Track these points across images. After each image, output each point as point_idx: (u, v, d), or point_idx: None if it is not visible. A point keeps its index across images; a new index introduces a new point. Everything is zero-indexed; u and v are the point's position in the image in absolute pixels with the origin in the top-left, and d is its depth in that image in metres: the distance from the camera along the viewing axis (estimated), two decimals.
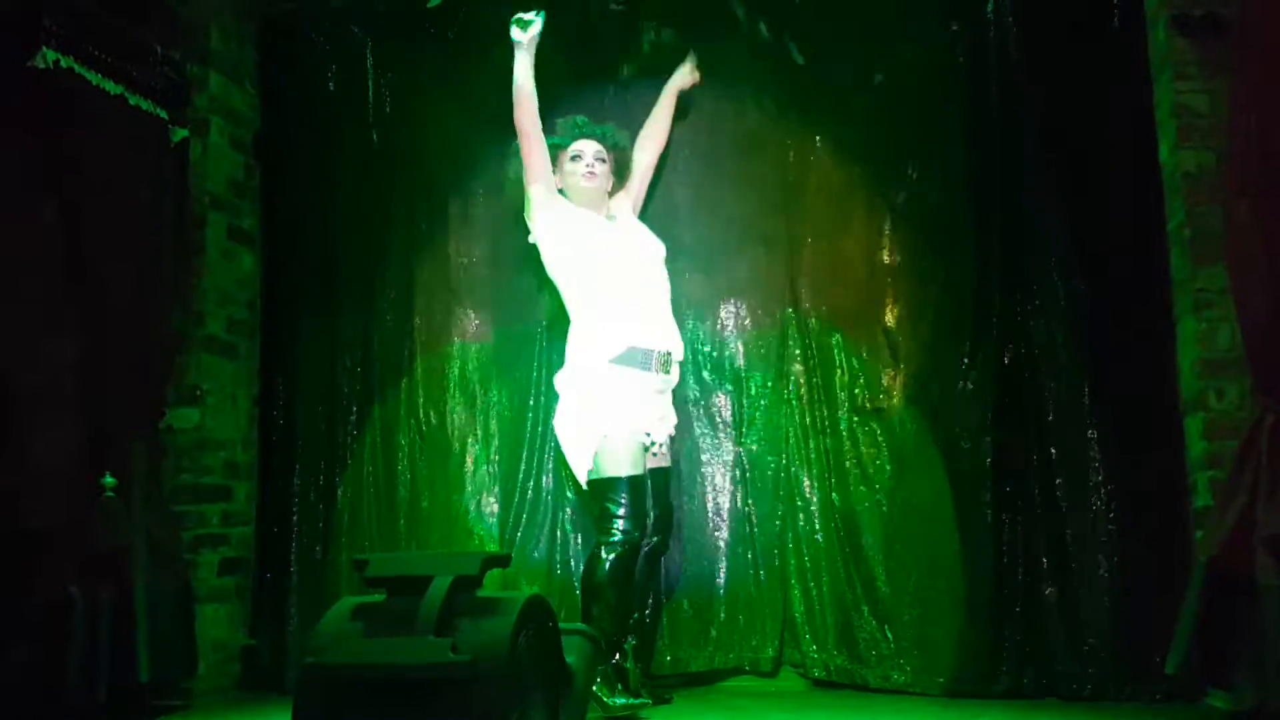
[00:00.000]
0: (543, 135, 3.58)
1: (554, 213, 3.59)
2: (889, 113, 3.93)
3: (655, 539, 3.57)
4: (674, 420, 3.65)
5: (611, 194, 3.78)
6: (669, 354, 3.53)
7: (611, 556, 3.30)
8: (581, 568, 3.53)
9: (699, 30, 4.09)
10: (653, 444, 3.51)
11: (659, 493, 3.58)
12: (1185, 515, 3.36)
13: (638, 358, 3.46)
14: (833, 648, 3.72)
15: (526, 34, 3.51)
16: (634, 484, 3.38)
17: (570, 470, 3.54)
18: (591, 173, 3.68)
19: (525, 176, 3.61)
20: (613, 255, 3.56)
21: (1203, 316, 3.19)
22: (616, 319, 3.47)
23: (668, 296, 3.64)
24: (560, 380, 3.59)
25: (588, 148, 3.70)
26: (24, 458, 3.38)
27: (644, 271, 3.60)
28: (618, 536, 3.32)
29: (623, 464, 3.37)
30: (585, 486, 3.46)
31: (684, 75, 3.99)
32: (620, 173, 3.79)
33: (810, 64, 4.01)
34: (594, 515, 3.49)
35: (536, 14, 3.53)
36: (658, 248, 3.70)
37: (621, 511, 3.33)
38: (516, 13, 3.56)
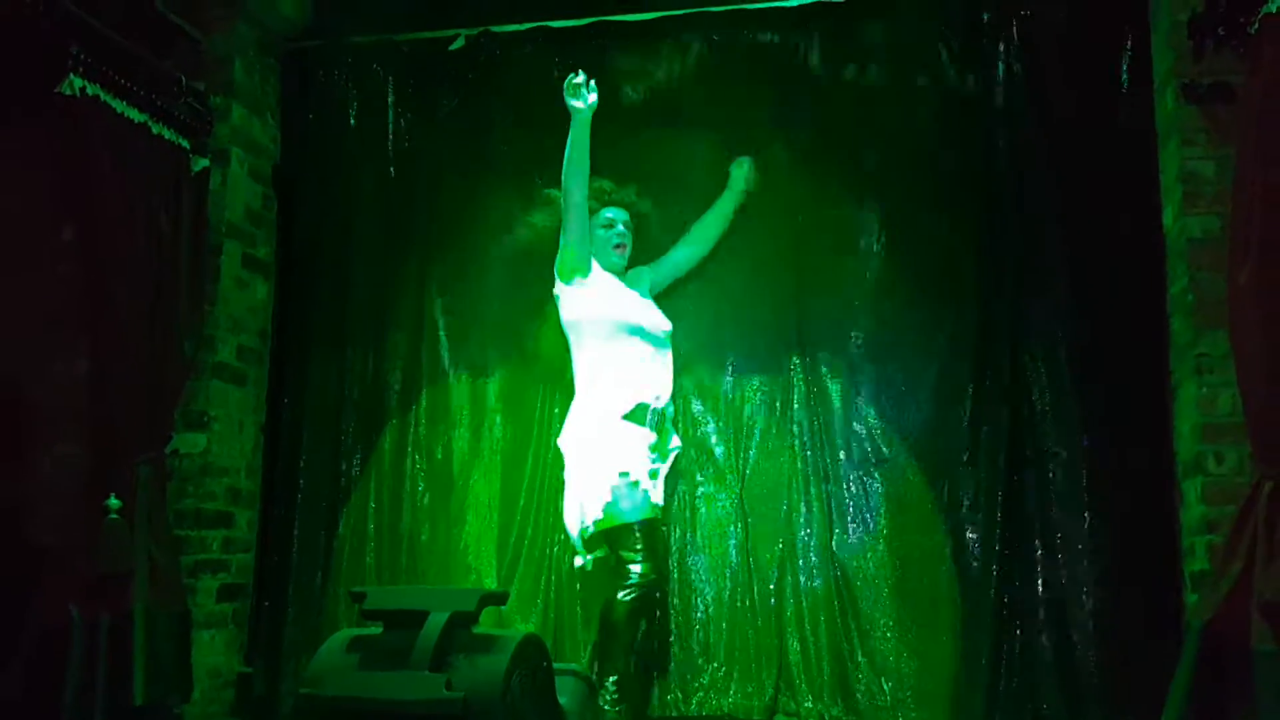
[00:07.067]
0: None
1: (590, 275, 3.65)
2: (899, 165, 3.96)
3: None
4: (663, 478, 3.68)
5: (630, 264, 3.85)
6: (662, 413, 3.62)
7: (629, 598, 3.38)
8: (576, 606, 3.50)
9: (709, 71, 4.13)
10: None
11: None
12: (1179, 577, 3.36)
13: (644, 415, 3.55)
14: (829, 698, 3.69)
15: (586, 101, 3.46)
16: (649, 526, 3.46)
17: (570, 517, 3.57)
18: (622, 245, 3.77)
19: (564, 235, 3.61)
20: (633, 323, 3.63)
21: (1204, 381, 3.20)
22: (627, 384, 3.56)
23: (670, 368, 3.72)
24: (567, 439, 3.63)
25: (619, 217, 3.77)
26: (32, 474, 3.41)
27: (656, 343, 3.68)
28: (634, 579, 3.39)
29: (637, 509, 3.44)
30: (591, 533, 3.49)
31: (743, 181, 3.95)
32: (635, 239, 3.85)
33: (820, 111, 4.03)
34: (607, 563, 3.53)
35: (588, 82, 3.45)
36: (668, 326, 3.76)
37: (639, 555, 3.40)
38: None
